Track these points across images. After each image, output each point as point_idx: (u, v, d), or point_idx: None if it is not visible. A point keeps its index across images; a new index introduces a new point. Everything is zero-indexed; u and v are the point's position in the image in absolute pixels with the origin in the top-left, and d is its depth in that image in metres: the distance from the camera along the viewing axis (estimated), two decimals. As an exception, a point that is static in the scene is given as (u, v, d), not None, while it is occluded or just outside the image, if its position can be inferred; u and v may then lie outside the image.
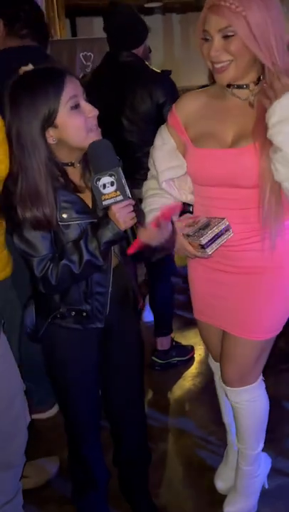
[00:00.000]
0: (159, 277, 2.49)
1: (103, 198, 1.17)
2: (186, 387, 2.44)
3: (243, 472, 1.69)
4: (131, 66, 2.18)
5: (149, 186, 1.53)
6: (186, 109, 1.43)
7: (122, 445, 1.58)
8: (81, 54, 4.76)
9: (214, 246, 1.30)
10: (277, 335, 1.53)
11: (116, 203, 1.17)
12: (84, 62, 4.63)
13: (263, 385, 1.61)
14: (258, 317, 1.44)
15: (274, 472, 1.84)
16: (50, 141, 1.19)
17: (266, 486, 1.78)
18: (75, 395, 1.42)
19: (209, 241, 1.29)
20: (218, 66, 1.26)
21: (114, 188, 1.16)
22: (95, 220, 1.24)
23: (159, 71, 2.33)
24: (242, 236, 1.35)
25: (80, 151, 1.24)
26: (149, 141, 2.08)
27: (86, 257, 1.20)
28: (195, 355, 2.66)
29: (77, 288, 1.29)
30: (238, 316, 1.46)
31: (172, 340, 2.60)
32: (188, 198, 1.51)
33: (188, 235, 1.34)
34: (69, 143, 1.20)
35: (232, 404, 1.60)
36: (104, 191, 1.16)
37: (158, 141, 1.50)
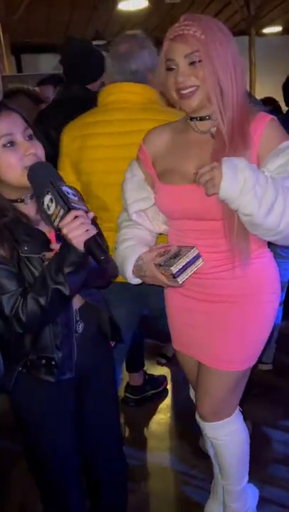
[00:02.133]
0: None
1: (52, 219, 1.04)
2: (163, 421, 2.37)
3: (231, 509, 1.63)
4: (79, 100, 2.16)
5: (123, 218, 1.52)
6: (154, 145, 1.43)
7: (103, 491, 1.48)
8: (31, 89, 4.78)
9: (185, 275, 1.28)
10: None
11: (61, 219, 1.03)
12: (34, 97, 4.64)
13: (240, 418, 1.56)
14: (231, 347, 1.42)
15: (263, 501, 1.79)
16: None
17: None
18: (51, 451, 1.31)
19: (180, 270, 1.27)
20: (185, 92, 1.26)
21: (54, 204, 1.03)
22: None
23: None
24: (213, 264, 1.35)
25: (25, 189, 1.16)
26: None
27: (51, 285, 1.09)
28: (168, 386, 2.60)
29: (48, 332, 1.21)
30: (212, 346, 1.43)
31: (145, 373, 2.54)
32: (162, 228, 1.50)
33: (159, 265, 1.33)
34: (5, 181, 1.15)
35: (210, 440, 1.55)
36: (50, 212, 1.04)
37: (128, 174, 1.49)
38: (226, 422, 1.49)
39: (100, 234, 1.12)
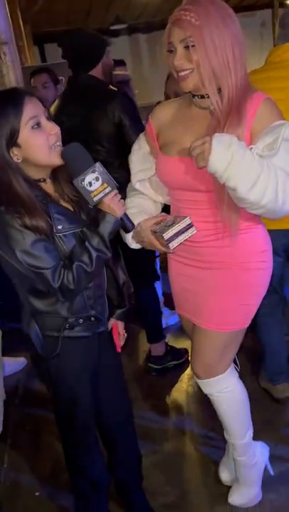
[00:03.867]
0: (143, 286, 2.55)
1: (92, 195, 1.24)
2: (184, 389, 2.49)
3: (239, 462, 1.73)
4: (89, 88, 2.25)
5: (129, 187, 1.66)
6: (159, 118, 1.54)
7: (115, 447, 1.62)
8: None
9: (176, 242, 1.39)
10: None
11: (106, 195, 1.24)
12: (56, 85, 4.75)
13: (234, 375, 1.65)
14: (220, 310, 1.51)
15: (275, 459, 1.89)
16: (15, 159, 1.23)
17: (271, 473, 1.84)
18: (84, 404, 1.44)
19: (171, 237, 1.38)
20: (181, 74, 1.35)
21: (100, 182, 1.23)
22: (83, 228, 1.30)
23: (115, 89, 2.40)
24: (206, 233, 1.45)
25: (48, 168, 1.29)
26: (116, 159, 2.17)
27: (94, 254, 1.26)
28: (189, 357, 2.72)
29: (81, 295, 1.34)
30: (203, 308, 1.53)
31: (166, 344, 2.66)
32: (165, 199, 1.62)
33: (155, 232, 1.45)
34: (34, 161, 1.24)
35: (208, 396, 1.64)
36: (92, 188, 1.23)
37: (135, 146, 1.62)
38: (218, 379, 1.59)
39: None
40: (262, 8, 8.27)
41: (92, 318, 1.37)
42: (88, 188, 1.23)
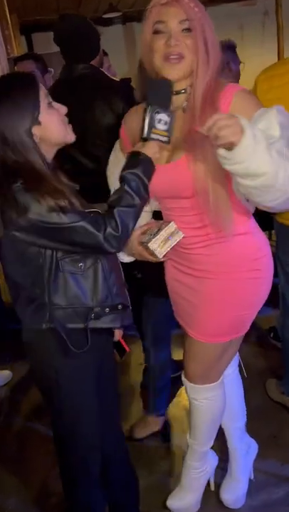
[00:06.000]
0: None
1: (153, 130, 1.23)
2: (182, 404, 2.32)
3: (188, 466, 1.71)
4: (88, 78, 2.10)
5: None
6: (131, 124, 1.42)
7: (111, 468, 1.50)
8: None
9: (164, 249, 1.34)
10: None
11: (159, 141, 1.25)
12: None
13: (223, 385, 1.61)
14: (214, 321, 1.45)
15: (282, 480, 1.80)
16: (35, 139, 1.20)
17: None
18: (89, 416, 1.34)
19: (158, 245, 1.34)
20: (173, 57, 1.25)
21: (165, 127, 1.24)
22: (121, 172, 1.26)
23: (117, 80, 2.27)
24: (194, 240, 1.39)
25: (56, 149, 1.27)
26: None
27: (137, 200, 1.22)
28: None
29: (105, 283, 1.27)
30: (196, 319, 1.48)
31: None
32: (153, 206, 1.53)
33: (142, 242, 1.39)
34: (51, 140, 1.23)
35: (189, 399, 1.60)
36: (157, 126, 1.23)
37: (112, 156, 1.53)
38: (208, 386, 1.54)
39: None
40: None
41: (120, 306, 1.30)
42: (155, 123, 1.23)
